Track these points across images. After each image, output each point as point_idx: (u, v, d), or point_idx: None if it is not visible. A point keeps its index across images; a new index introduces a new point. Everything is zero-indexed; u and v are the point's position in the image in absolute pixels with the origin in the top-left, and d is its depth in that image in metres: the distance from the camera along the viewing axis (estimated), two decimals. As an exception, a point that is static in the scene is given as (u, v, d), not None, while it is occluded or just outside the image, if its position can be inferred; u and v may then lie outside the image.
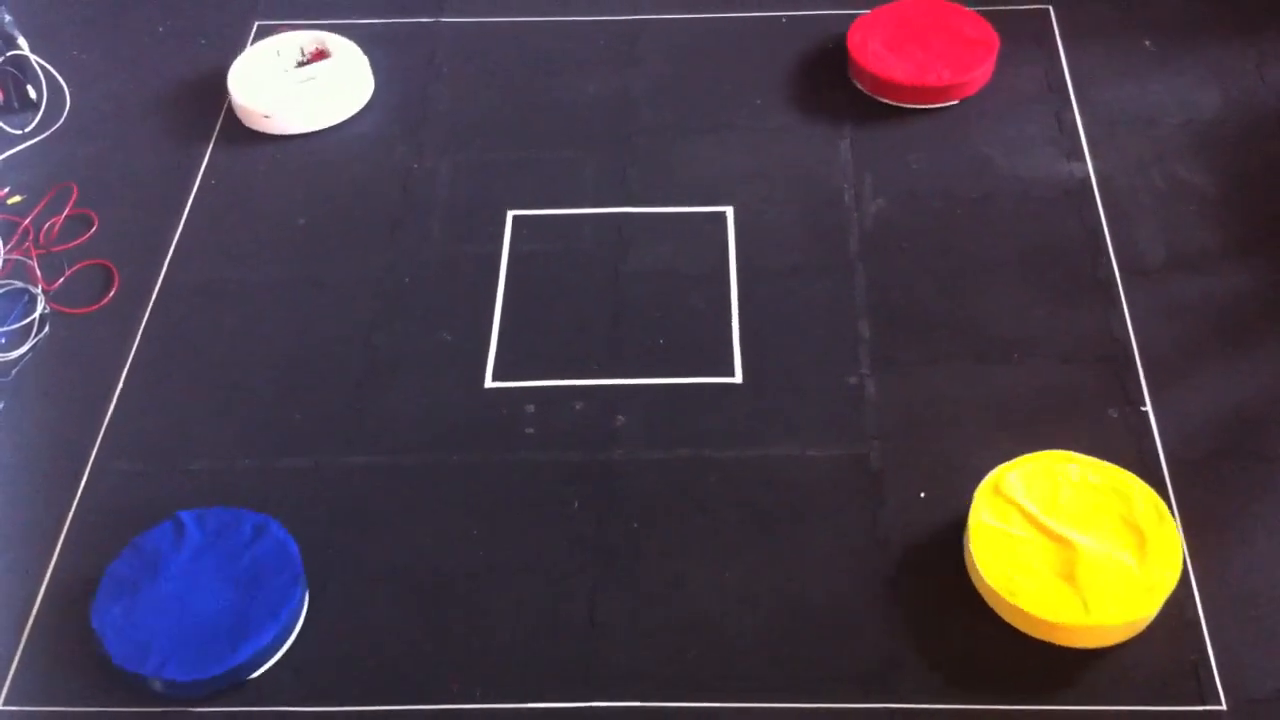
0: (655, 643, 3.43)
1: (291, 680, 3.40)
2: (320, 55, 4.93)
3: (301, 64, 4.92)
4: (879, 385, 3.96)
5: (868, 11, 5.00)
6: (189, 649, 3.29)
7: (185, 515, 3.55)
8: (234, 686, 3.35)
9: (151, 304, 4.32)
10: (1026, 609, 3.30)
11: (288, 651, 3.44)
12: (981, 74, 4.80)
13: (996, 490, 3.53)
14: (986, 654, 3.35)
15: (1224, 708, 3.25)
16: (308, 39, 5.02)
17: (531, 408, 3.98)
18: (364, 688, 3.38)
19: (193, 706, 3.32)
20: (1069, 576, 3.34)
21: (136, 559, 3.49)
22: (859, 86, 4.86)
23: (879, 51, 4.81)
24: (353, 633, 3.48)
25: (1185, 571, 3.48)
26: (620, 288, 4.30)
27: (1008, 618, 3.37)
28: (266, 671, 3.39)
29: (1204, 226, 4.36)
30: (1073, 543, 3.39)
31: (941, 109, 4.78)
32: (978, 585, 3.44)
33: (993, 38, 4.84)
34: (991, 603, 3.40)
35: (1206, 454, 3.75)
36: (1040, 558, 3.38)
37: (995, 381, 3.96)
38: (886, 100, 4.80)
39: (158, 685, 3.27)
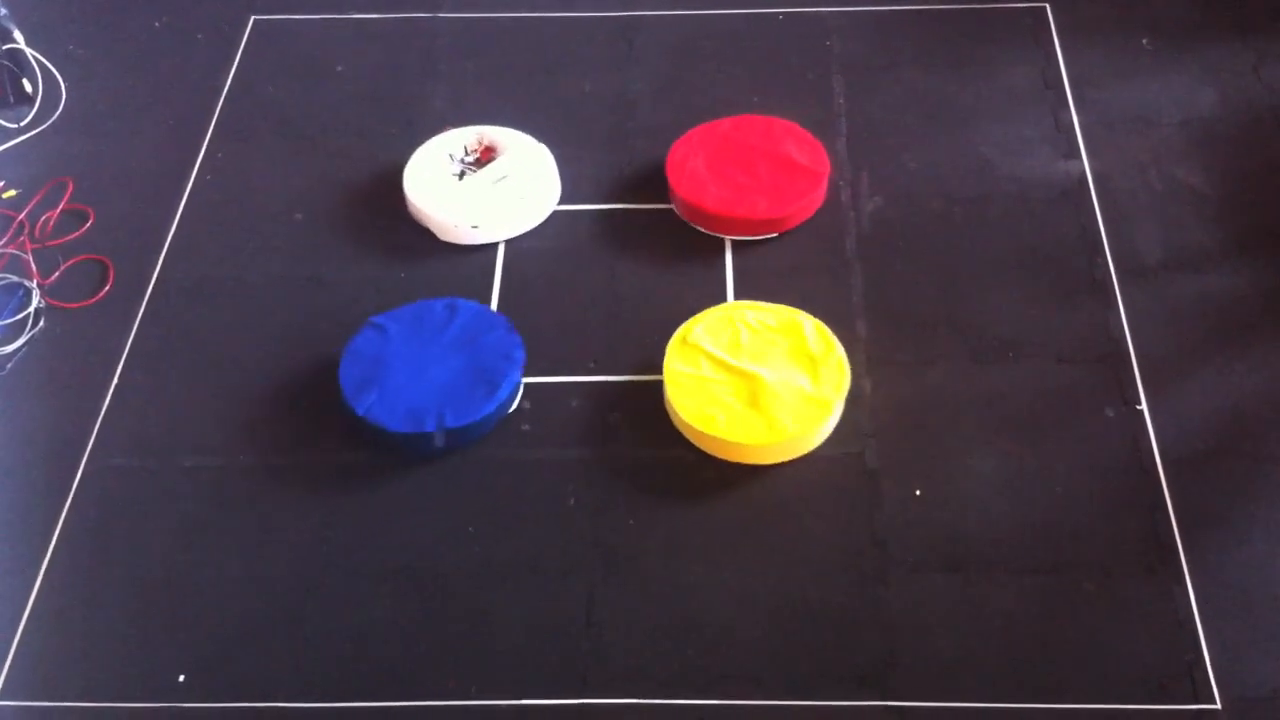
0: (651, 640, 3.43)
1: (290, 675, 3.40)
2: (489, 153, 4.56)
3: (469, 163, 4.54)
4: (875, 384, 3.97)
5: (696, 127, 4.60)
6: (410, 405, 3.79)
7: (456, 301, 4.11)
8: (427, 455, 3.80)
9: (147, 299, 4.32)
10: (724, 437, 3.71)
11: (288, 650, 3.44)
12: (809, 204, 4.38)
13: (685, 341, 3.92)
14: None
15: (1218, 707, 3.27)
16: (470, 137, 4.62)
17: (528, 404, 3.97)
18: (360, 684, 3.38)
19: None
20: (754, 404, 3.77)
21: (404, 317, 4.05)
22: (676, 211, 4.46)
23: (699, 174, 4.40)
24: (349, 630, 3.48)
25: (1179, 570, 3.50)
26: (617, 285, 4.29)
27: (710, 449, 3.78)
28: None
29: (1201, 227, 4.36)
30: (755, 375, 3.83)
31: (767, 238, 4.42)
32: (679, 425, 3.82)
33: (824, 164, 4.45)
34: (693, 438, 3.79)
35: (1202, 454, 3.76)
36: (729, 392, 3.81)
37: (991, 381, 3.96)
38: (702, 229, 4.40)
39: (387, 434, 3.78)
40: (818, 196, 4.41)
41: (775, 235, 4.36)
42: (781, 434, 3.71)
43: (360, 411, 3.77)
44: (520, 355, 3.95)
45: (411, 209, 4.48)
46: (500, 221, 4.39)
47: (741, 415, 3.76)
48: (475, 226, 4.35)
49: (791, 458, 3.77)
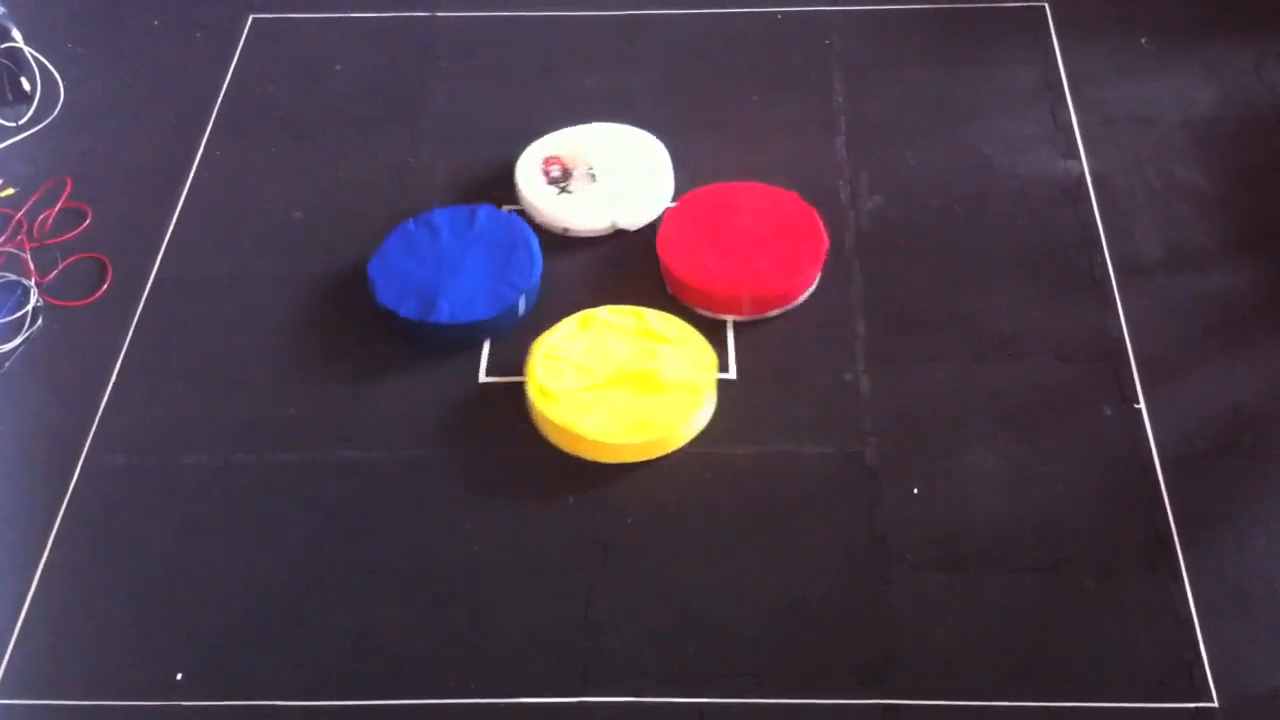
0: (650, 638, 3.43)
1: (289, 673, 3.39)
2: (565, 163, 4.49)
3: (558, 178, 4.46)
4: (874, 382, 3.96)
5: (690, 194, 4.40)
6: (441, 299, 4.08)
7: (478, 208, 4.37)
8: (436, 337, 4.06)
9: (145, 297, 4.31)
10: (665, 432, 3.74)
11: (286, 648, 3.43)
12: (804, 279, 4.14)
13: (544, 394, 3.82)
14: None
15: (1215, 704, 3.26)
16: (537, 163, 4.52)
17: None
18: (359, 682, 3.38)
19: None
20: (655, 386, 3.81)
21: (420, 226, 4.32)
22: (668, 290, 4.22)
23: (700, 257, 4.14)
24: (347, 628, 3.48)
25: (1177, 568, 3.50)
26: (616, 282, 4.28)
27: (643, 455, 3.77)
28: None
29: (1200, 225, 4.36)
30: (628, 373, 3.85)
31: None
32: (600, 456, 3.77)
33: (821, 241, 4.20)
34: (629, 454, 3.76)
35: (1200, 452, 3.76)
36: (629, 397, 3.81)
37: (990, 379, 3.96)
38: (691, 305, 4.16)
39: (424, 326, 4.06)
40: (817, 269, 4.18)
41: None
42: (710, 365, 3.85)
43: (445, 319, 4.01)
44: (516, 216, 4.32)
45: (561, 220, 4.39)
46: (666, 178, 4.50)
47: (669, 396, 3.80)
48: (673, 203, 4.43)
49: (697, 425, 3.84)
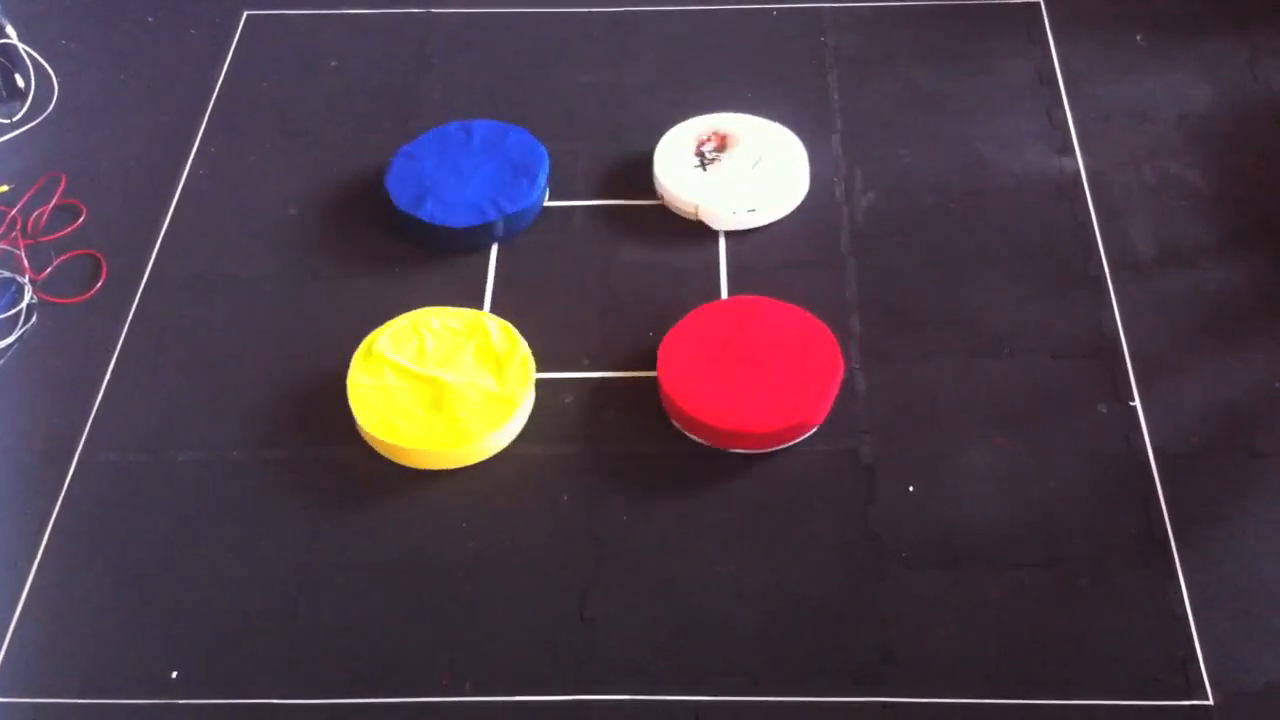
0: (645, 636, 3.43)
1: (284, 671, 3.40)
2: (722, 141, 4.47)
3: (708, 153, 4.44)
4: (869, 379, 3.97)
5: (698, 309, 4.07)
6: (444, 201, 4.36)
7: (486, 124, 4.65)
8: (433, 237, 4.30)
9: (140, 294, 4.31)
10: (404, 444, 3.73)
11: (281, 646, 3.43)
12: (817, 411, 3.79)
13: (370, 353, 3.92)
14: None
15: (1211, 702, 3.27)
16: (704, 128, 4.58)
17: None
18: (354, 680, 3.38)
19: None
20: (438, 407, 3.79)
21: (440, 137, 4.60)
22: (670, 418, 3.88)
23: (698, 379, 3.81)
24: (342, 626, 3.48)
25: (1173, 566, 3.50)
26: (611, 280, 4.29)
27: (395, 457, 3.79)
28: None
29: (1195, 222, 4.36)
30: (439, 380, 3.85)
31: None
32: (365, 438, 3.83)
33: (837, 366, 3.86)
34: (381, 449, 3.80)
35: (1195, 449, 3.76)
36: (413, 399, 3.82)
37: (985, 376, 3.96)
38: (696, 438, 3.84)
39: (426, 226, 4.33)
40: (829, 400, 3.85)
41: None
42: (465, 436, 3.73)
43: (425, 218, 4.29)
44: (543, 147, 4.53)
45: (673, 198, 4.42)
46: (771, 202, 4.39)
47: (424, 420, 3.77)
48: (752, 210, 4.35)
49: (480, 459, 3.78)
